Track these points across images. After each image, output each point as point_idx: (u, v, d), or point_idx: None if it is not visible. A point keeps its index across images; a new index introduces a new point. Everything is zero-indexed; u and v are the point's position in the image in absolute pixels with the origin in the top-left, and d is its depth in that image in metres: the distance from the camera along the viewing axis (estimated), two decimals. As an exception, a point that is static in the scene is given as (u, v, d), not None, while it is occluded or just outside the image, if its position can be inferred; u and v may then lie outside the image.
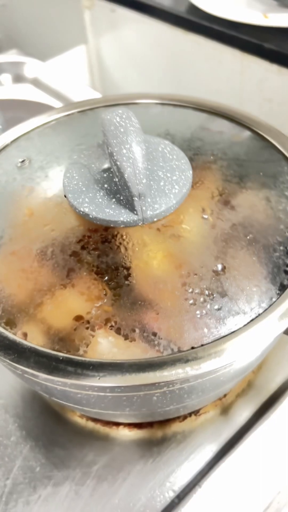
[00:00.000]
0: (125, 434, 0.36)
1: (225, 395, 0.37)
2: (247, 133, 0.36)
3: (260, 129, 0.36)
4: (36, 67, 0.72)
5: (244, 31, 0.63)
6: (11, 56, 0.74)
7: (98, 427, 0.36)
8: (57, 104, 0.67)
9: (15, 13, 0.80)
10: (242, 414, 0.36)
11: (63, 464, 0.35)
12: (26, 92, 0.70)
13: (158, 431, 0.36)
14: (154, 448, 0.35)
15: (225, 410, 0.37)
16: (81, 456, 0.35)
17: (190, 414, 0.36)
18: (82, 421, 0.37)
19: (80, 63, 0.94)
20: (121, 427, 0.36)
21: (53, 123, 0.39)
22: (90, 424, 0.37)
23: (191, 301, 0.26)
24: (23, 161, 0.34)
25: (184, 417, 0.36)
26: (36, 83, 0.72)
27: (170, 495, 0.33)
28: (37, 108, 0.62)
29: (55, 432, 0.37)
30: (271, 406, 0.36)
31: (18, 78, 0.72)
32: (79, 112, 0.39)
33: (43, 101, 0.66)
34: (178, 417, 0.36)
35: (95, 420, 0.36)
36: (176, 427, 0.36)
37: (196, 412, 0.36)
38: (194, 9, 0.69)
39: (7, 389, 0.39)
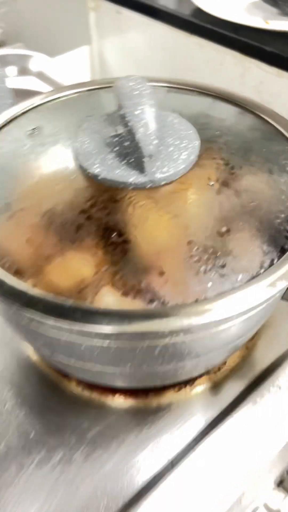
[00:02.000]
0: (121, 403, 0.36)
1: (219, 368, 0.38)
2: (251, 116, 0.37)
3: (263, 113, 0.37)
4: (42, 61, 0.73)
5: (245, 34, 0.66)
6: (18, 49, 0.75)
7: (94, 395, 0.37)
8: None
9: (23, 8, 0.81)
10: (234, 388, 0.37)
11: (58, 430, 0.35)
12: (30, 84, 0.72)
13: (153, 401, 0.36)
14: (148, 417, 0.36)
15: (218, 384, 0.37)
16: (76, 424, 0.35)
17: (185, 385, 0.37)
18: (78, 390, 0.37)
19: (82, 64, 0.96)
20: (116, 395, 0.36)
21: (63, 98, 0.40)
22: (86, 393, 0.37)
23: (196, 258, 0.27)
24: (33, 129, 0.35)
25: (179, 388, 0.37)
26: (41, 76, 0.73)
27: (164, 461, 0.33)
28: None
29: (51, 400, 0.37)
30: (262, 382, 0.37)
31: (24, 71, 0.73)
32: (87, 90, 0.41)
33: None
34: (173, 387, 0.37)
35: (91, 388, 0.37)
36: (171, 397, 0.36)
37: (191, 384, 0.37)
38: (198, 12, 0.71)
39: (4, 357, 0.40)
